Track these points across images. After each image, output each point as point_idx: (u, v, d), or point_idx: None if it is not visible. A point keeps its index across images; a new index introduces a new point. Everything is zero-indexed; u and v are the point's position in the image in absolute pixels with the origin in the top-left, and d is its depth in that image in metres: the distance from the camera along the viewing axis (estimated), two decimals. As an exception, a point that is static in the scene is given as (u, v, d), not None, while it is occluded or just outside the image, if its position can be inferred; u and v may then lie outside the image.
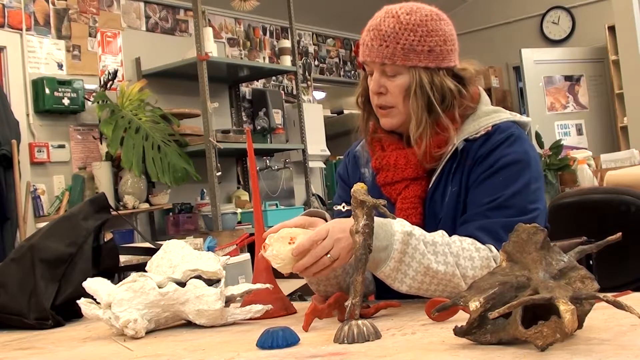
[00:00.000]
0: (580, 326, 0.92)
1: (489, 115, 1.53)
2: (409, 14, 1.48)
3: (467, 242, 1.36)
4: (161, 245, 1.56)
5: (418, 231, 1.32)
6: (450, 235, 1.37)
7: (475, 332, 0.94)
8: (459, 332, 0.95)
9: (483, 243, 1.38)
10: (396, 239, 1.28)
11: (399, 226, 1.30)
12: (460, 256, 1.33)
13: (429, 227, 1.40)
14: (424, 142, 1.48)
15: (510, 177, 1.45)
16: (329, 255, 1.26)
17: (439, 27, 1.50)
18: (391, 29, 1.47)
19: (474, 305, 0.93)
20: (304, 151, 5.48)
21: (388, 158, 1.55)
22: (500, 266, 0.98)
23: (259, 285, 1.39)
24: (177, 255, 1.43)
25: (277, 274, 1.52)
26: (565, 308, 0.84)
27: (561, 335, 0.84)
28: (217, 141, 4.68)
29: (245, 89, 6.01)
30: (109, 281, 1.39)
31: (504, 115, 1.55)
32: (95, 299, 1.37)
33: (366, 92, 1.58)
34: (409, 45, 1.46)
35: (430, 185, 1.51)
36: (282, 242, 1.24)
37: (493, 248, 1.37)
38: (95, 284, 1.36)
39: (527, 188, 1.44)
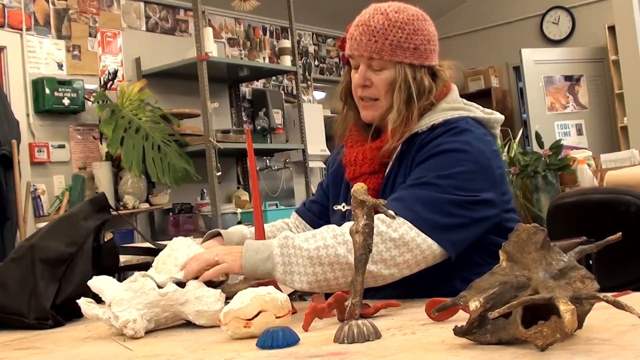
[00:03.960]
0: (580, 326, 0.92)
1: (445, 111, 1.56)
2: (397, 12, 1.54)
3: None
4: (161, 245, 1.56)
5: (295, 234, 1.41)
6: None
7: (475, 332, 0.94)
8: (459, 332, 0.95)
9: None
10: (274, 245, 1.38)
11: (277, 238, 1.40)
12: (343, 234, 1.37)
13: None
14: (397, 134, 1.53)
15: (443, 162, 1.46)
16: (216, 258, 1.39)
17: (425, 27, 1.56)
18: (380, 25, 1.52)
19: (474, 305, 0.93)
20: (304, 151, 5.47)
21: (350, 155, 1.63)
22: (500, 266, 0.98)
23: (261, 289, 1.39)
24: (183, 253, 1.43)
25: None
26: (565, 308, 0.84)
27: (561, 335, 0.84)
28: (217, 141, 4.68)
29: (245, 89, 6.01)
30: (114, 279, 1.38)
31: (459, 113, 1.56)
32: (95, 299, 1.37)
33: (349, 85, 1.64)
34: (397, 42, 1.52)
35: (383, 179, 1.57)
36: (238, 324, 1.17)
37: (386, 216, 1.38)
38: (100, 283, 1.36)
39: (459, 175, 1.44)
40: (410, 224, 1.37)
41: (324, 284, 1.38)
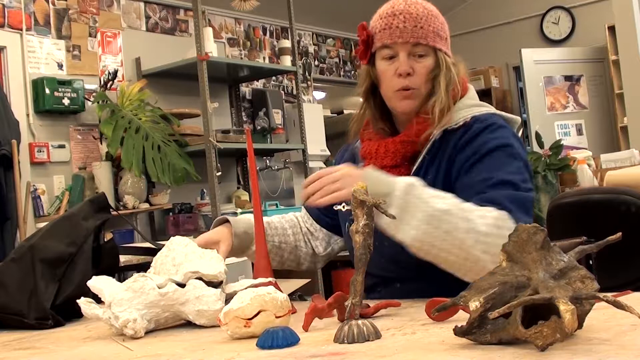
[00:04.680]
0: (580, 326, 0.92)
1: (470, 107, 1.57)
2: (427, 3, 1.59)
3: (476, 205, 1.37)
4: (161, 245, 1.56)
5: (421, 183, 1.38)
6: None
7: (475, 332, 0.94)
8: (459, 332, 0.95)
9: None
10: (397, 186, 1.35)
11: (401, 178, 1.38)
12: (471, 211, 1.34)
13: None
14: (444, 117, 1.53)
15: (499, 160, 1.47)
16: (338, 183, 1.37)
17: (444, 20, 1.62)
18: (422, 13, 1.56)
19: (474, 305, 0.93)
20: (304, 151, 5.48)
21: (370, 147, 1.62)
22: (500, 266, 0.98)
23: (260, 280, 1.39)
24: (181, 253, 1.43)
25: (277, 274, 1.53)
26: (565, 308, 0.84)
27: (561, 335, 0.84)
28: (217, 141, 4.68)
29: (245, 89, 6.01)
30: (114, 279, 1.38)
31: (485, 109, 1.59)
32: (95, 299, 1.37)
33: (372, 83, 1.63)
34: (436, 30, 1.56)
35: (410, 174, 1.55)
36: (238, 324, 1.17)
37: (504, 213, 1.36)
38: (99, 283, 1.36)
39: (519, 170, 1.46)
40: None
41: (425, 246, 1.34)
